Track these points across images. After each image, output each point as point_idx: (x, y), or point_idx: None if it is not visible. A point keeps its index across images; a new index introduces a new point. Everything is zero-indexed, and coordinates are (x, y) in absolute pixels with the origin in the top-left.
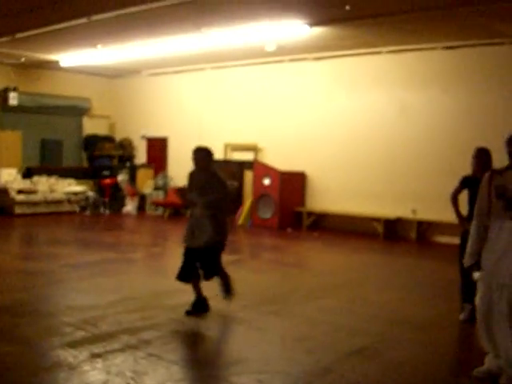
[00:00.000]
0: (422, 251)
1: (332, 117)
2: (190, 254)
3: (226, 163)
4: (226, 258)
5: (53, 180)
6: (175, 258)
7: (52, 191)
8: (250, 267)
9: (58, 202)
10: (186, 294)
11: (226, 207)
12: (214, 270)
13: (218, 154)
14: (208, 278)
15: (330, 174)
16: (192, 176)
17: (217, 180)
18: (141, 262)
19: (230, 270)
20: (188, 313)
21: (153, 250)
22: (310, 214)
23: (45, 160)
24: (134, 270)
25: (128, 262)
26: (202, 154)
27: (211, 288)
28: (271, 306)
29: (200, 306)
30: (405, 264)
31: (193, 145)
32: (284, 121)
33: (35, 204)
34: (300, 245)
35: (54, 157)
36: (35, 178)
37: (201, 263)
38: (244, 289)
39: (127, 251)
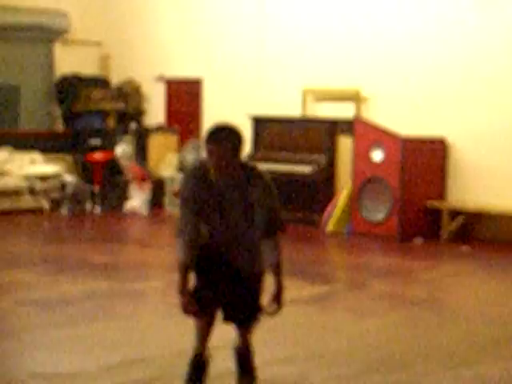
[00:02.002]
0: None
1: (496, 41)
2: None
3: (305, 123)
4: (306, 292)
5: (3, 155)
6: None
7: (2, 174)
8: (347, 307)
9: (14, 194)
10: (226, 353)
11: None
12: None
13: (292, 108)
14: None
15: (491, 145)
16: (199, 185)
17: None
18: (155, 298)
19: (314, 312)
20: None
21: (176, 276)
22: (454, 213)
23: None
24: (145, 311)
25: (133, 298)
26: (229, 144)
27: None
28: (385, 377)
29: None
30: None
31: (246, 92)
32: (406, 52)
33: None
34: (436, 268)
35: (5, 114)
36: None
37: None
38: (338, 346)
39: (132, 279)
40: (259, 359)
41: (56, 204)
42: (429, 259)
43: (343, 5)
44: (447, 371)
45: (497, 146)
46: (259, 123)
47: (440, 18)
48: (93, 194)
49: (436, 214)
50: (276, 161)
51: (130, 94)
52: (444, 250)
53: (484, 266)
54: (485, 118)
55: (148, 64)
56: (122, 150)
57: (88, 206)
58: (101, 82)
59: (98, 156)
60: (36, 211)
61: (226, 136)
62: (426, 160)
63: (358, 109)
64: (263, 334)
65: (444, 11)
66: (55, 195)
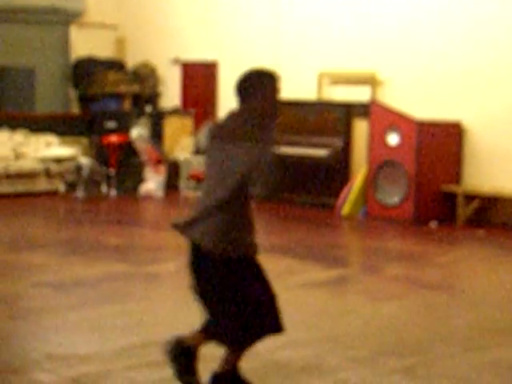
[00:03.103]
0: None
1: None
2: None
3: (321, 107)
4: (321, 275)
5: (19, 137)
6: None
7: (18, 157)
8: (363, 290)
9: (29, 176)
10: None
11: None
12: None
13: (308, 91)
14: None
15: (507, 129)
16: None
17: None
18: (169, 281)
19: (329, 295)
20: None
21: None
22: (470, 197)
23: (4, 103)
24: (158, 294)
25: (148, 281)
26: (253, 80)
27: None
28: (400, 361)
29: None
30: None
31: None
32: (422, 35)
33: None
34: (452, 252)
35: (21, 98)
36: None
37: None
38: (353, 329)
39: (147, 261)
40: (275, 342)
41: (71, 187)
42: (444, 243)
43: None
44: (462, 355)
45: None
46: None
47: (456, 2)
48: (108, 177)
49: (451, 197)
50: (292, 144)
51: (146, 77)
52: (459, 234)
53: (499, 250)
54: (500, 102)
55: (163, 47)
56: (138, 132)
57: (103, 188)
58: (116, 65)
59: (113, 139)
60: (51, 194)
61: (253, 75)
62: (442, 144)
63: (374, 92)
64: None
65: None
66: (71, 178)
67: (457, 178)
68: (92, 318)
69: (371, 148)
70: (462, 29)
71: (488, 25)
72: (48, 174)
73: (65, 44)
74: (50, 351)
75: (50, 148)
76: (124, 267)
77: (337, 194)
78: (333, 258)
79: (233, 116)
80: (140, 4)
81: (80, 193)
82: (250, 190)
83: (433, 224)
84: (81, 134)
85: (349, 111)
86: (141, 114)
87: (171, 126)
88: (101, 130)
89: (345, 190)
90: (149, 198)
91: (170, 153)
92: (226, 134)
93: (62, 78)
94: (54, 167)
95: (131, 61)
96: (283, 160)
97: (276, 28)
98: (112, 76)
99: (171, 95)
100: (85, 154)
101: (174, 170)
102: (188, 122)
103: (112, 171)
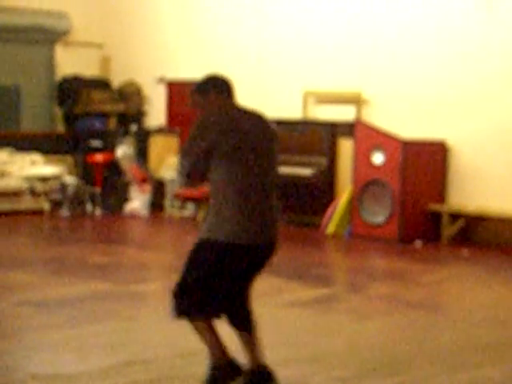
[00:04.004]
0: None
1: (497, 44)
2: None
3: (306, 126)
4: (306, 294)
5: (4, 156)
6: None
7: (3, 176)
8: (348, 309)
9: (14, 195)
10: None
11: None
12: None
13: (293, 110)
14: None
15: (492, 148)
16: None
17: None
18: (155, 300)
19: (314, 314)
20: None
21: (176, 278)
22: (455, 216)
23: None
24: (143, 313)
25: (132, 300)
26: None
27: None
28: (385, 380)
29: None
30: None
31: (247, 92)
32: (407, 55)
33: None
34: (436, 271)
35: (6, 116)
36: None
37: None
38: (338, 348)
39: (131, 280)
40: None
41: (56, 205)
42: (429, 262)
43: (344, 7)
44: (447, 374)
45: (497, 149)
46: None
47: (441, 22)
48: (93, 196)
49: (436, 216)
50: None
51: (131, 96)
52: (444, 253)
53: (484, 269)
54: (485, 122)
55: (149, 66)
56: (123, 151)
57: (88, 207)
58: (102, 84)
59: (98, 157)
60: (36, 212)
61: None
62: (427, 163)
63: (359, 111)
64: (264, 336)
65: (445, 14)
66: (56, 196)
67: (442, 197)
68: (76, 337)
69: (356, 167)
70: (447, 49)
71: (473, 45)
72: (33, 192)
73: (50, 62)
74: (35, 371)
75: (34, 167)
76: (108, 286)
77: (322, 213)
78: (318, 277)
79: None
80: (125, 23)
81: (65, 211)
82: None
83: (417, 243)
84: (66, 152)
85: (334, 130)
86: (126, 132)
87: (156, 144)
88: (86, 149)
89: (330, 209)
90: (134, 216)
91: (155, 172)
92: None
93: (47, 97)
94: (38, 186)
95: (116, 79)
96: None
97: (261, 47)
98: (97, 95)
99: (156, 114)
100: (70, 172)
101: (159, 189)
102: (173, 141)
103: (97, 190)
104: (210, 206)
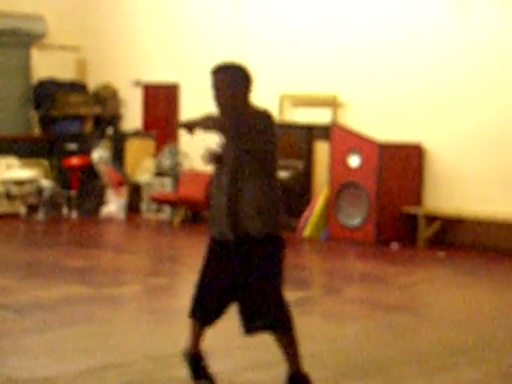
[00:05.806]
0: None
1: (472, 47)
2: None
3: (282, 129)
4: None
5: None
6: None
7: None
8: (324, 312)
9: None
10: (208, 359)
11: None
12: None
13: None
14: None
15: (468, 150)
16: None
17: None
18: (132, 303)
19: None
20: None
21: (153, 281)
22: (430, 218)
23: None
24: (121, 316)
25: (110, 303)
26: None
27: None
28: (363, 382)
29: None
30: None
31: None
32: (383, 58)
33: None
34: (413, 273)
35: None
36: None
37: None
38: (315, 351)
39: (108, 284)
40: (238, 364)
41: (32, 209)
42: (405, 264)
43: (321, 10)
44: (423, 376)
45: (472, 152)
46: None
47: (417, 25)
48: (69, 199)
49: (412, 219)
50: None
51: (107, 99)
52: (420, 256)
53: (460, 271)
54: (460, 124)
55: (125, 69)
56: (99, 154)
57: (64, 210)
58: (78, 87)
59: (74, 161)
60: (12, 216)
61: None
62: (403, 165)
63: (335, 114)
64: (238, 339)
65: (421, 18)
66: (32, 200)
67: (417, 199)
68: (52, 340)
69: (332, 170)
70: (422, 51)
71: (449, 48)
72: (9, 196)
73: (26, 65)
74: (11, 375)
75: (10, 170)
76: (85, 290)
77: (298, 216)
78: (295, 280)
79: None
80: (101, 26)
81: (41, 215)
82: None
83: (394, 245)
84: (42, 156)
85: (310, 133)
86: (102, 136)
87: (132, 148)
88: (62, 152)
89: (306, 212)
90: (110, 220)
91: (131, 175)
92: None
93: (23, 100)
94: (14, 189)
95: (92, 83)
96: None
97: (237, 50)
98: (73, 98)
99: (133, 117)
100: (46, 176)
101: (135, 192)
102: (149, 144)
103: (73, 193)
104: None
